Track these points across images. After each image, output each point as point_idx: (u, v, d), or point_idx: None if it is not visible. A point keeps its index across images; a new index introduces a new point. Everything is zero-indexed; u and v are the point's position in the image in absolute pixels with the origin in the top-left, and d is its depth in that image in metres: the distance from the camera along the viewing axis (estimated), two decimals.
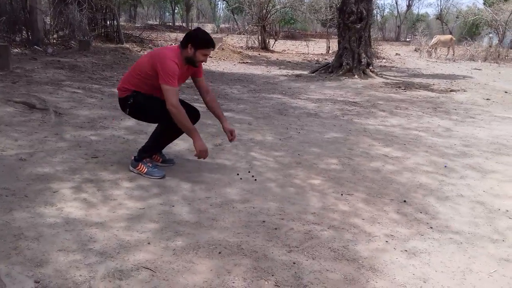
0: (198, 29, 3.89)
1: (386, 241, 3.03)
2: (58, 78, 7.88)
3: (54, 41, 12.76)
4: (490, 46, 23.33)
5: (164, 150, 4.24)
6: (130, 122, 5.50)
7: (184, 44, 3.67)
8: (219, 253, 2.72)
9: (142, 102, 3.79)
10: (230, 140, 4.05)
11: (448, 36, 22.98)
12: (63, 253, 2.56)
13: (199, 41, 3.64)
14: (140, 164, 3.89)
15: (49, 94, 6.30)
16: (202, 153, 3.78)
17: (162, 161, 4.19)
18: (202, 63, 3.88)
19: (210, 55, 3.72)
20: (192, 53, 3.65)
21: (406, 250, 2.93)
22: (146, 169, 3.87)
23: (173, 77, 3.56)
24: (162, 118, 3.79)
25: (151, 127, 5.36)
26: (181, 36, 20.65)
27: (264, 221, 3.19)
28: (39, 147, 4.32)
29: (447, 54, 21.91)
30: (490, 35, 28.53)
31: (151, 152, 4.00)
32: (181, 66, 3.68)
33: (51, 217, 2.97)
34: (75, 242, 2.68)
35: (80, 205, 3.19)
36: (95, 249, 2.63)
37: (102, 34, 15.44)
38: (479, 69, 16.27)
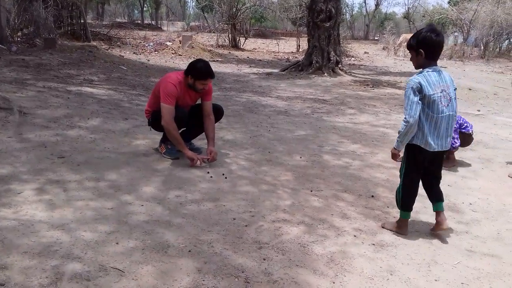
0: (199, 61, 4.32)
1: (355, 236, 3.09)
2: (23, 76, 7.66)
3: (19, 39, 12.40)
4: (455, 45, 23.99)
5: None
6: (97, 121, 5.40)
7: (186, 73, 4.22)
8: (189, 251, 2.70)
9: (155, 118, 4.32)
10: (208, 160, 4.29)
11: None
12: (28, 255, 2.50)
13: (198, 73, 4.16)
14: (163, 145, 4.44)
15: (13, 93, 6.12)
16: (195, 161, 4.17)
17: (189, 149, 4.39)
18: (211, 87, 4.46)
19: (206, 83, 4.27)
20: (192, 82, 4.20)
21: (373, 244, 2.99)
22: (165, 150, 4.41)
23: (170, 97, 4.10)
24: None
25: (119, 126, 5.29)
26: (150, 34, 20.41)
27: (234, 219, 3.20)
28: (2, 147, 4.19)
29: None
30: (455, 34, 29.29)
31: (165, 139, 4.41)
32: (182, 90, 4.24)
33: (14, 220, 2.88)
34: (40, 244, 2.62)
35: (45, 207, 3.11)
36: (61, 250, 2.58)
37: (69, 32, 15.11)
38: (444, 67, 16.69)
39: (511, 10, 22.36)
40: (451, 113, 2.93)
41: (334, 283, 2.50)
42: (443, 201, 3.18)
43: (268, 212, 3.36)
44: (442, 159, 3.21)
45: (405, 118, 2.86)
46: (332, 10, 12.34)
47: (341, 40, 14.70)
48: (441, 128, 2.91)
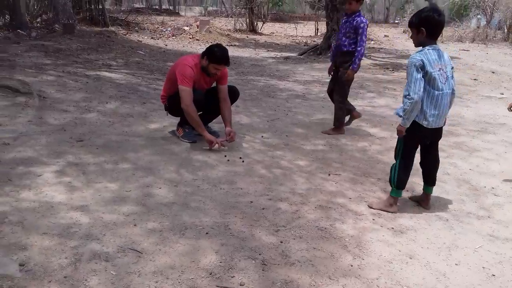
0: (218, 45, 4.31)
1: (373, 219, 3.05)
2: (42, 62, 7.72)
3: (38, 24, 12.49)
4: (478, 27, 23.35)
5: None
6: (115, 105, 5.43)
7: (203, 54, 4.19)
8: (207, 233, 2.71)
9: (171, 103, 4.35)
10: (227, 141, 4.28)
11: None
12: (47, 236, 2.53)
13: (213, 57, 4.10)
14: (180, 128, 4.45)
15: (33, 77, 6.18)
16: (211, 144, 4.16)
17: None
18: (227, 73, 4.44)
19: (219, 68, 4.19)
20: (206, 65, 4.14)
21: (392, 228, 2.95)
22: (182, 133, 4.42)
23: (188, 79, 4.08)
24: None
25: (136, 110, 5.31)
26: (167, 19, 20.39)
27: (251, 202, 3.19)
28: (23, 131, 4.25)
29: None
30: (478, 16, 28.52)
31: (186, 120, 4.32)
32: (199, 72, 4.20)
33: (35, 201, 2.93)
34: (59, 226, 2.65)
35: (64, 189, 3.15)
36: (80, 232, 2.61)
37: (87, 17, 15.13)
38: (466, 50, 16.29)
39: None
40: (448, 91, 2.98)
41: (352, 266, 2.48)
42: (434, 185, 3.29)
43: (285, 195, 3.34)
44: (439, 138, 3.21)
45: (409, 94, 2.87)
46: None
47: None
48: (440, 106, 2.96)
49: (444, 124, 3.12)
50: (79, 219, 2.75)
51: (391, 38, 22.09)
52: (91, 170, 3.52)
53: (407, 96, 2.88)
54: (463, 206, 3.35)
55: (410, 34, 3.09)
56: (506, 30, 22.05)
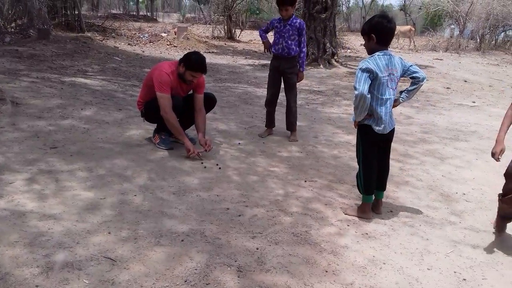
0: (196, 53, 4.30)
1: (348, 225, 3.08)
2: (16, 67, 7.59)
3: (12, 29, 12.26)
4: (451, 37, 23.94)
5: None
6: (90, 112, 5.36)
7: (180, 61, 4.17)
8: (182, 241, 2.69)
9: (148, 109, 4.33)
10: (206, 151, 4.24)
11: (407, 27, 23.36)
12: (18, 244, 2.48)
13: (190, 64, 4.10)
14: (157, 135, 4.42)
15: (6, 83, 6.06)
16: (191, 151, 4.13)
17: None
18: (205, 82, 4.43)
19: (195, 76, 4.18)
20: (183, 72, 4.12)
21: (366, 233, 2.99)
22: (159, 140, 4.38)
23: (166, 85, 4.06)
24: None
25: (112, 116, 5.26)
26: (145, 25, 20.26)
27: (228, 209, 3.19)
28: None
29: (409, 44, 22.35)
30: (452, 26, 29.21)
31: (162, 127, 4.34)
32: (176, 80, 4.18)
33: (6, 209, 2.86)
34: (31, 234, 2.60)
35: (36, 197, 3.09)
36: (53, 240, 2.56)
37: (63, 23, 14.94)
38: (440, 59, 16.67)
39: (507, 2, 22.32)
40: (394, 96, 3.07)
41: (327, 271, 2.50)
42: (384, 190, 3.36)
43: (261, 202, 3.35)
44: (391, 141, 3.26)
45: (355, 88, 2.89)
46: (328, 1, 12.25)
47: (337, 32, 14.64)
48: (387, 111, 3.03)
49: (393, 126, 3.16)
50: (51, 227, 2.70)
51: None
52: (64, 177, 3.46)
53: (354, 90, 2.90)
54: (435, 212, 3.42)
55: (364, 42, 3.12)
56: (478, 40, 22.67)
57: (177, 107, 4.18)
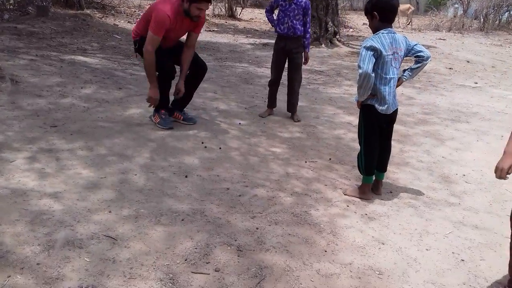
0: None
1: (347, 206, 3.10)
2: (15, 45, 7.51)
3: (11, 7, 12.10)
4: (455, 17, 23.65)
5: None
6: (90, 90, 5.33)
7: None
8: (182, 220, 2.71)
9: (142, 44, 4.06)
10: (173, 96, 4.31)
11: (406, 5, 23.01)
12: (20, 223, 2.50)
13: None
14: (157, 114, 4.35)
15: (5, 61, 6.01)
16: (151, 100, 4.14)
17: (183, 119, 4.54)
18: (205, 20, 4.18)
19: (201, 8, 3.96)
20: (187, 6, 3.90)
21: (366, 214, 3.00)
22: (159, 119, 4.34)
23: (160, 27, 3.89)
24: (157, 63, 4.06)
25: (112, 95, 5.23)
26: (144, 3, 20.02)
27: (228, 189, 3.20)
28: None
29: (406, 23, 22.04)
30: (455, 5, 28.84)
31: (161, 105, 4.30)
32: (177, 19, 3.97)
33: (6, 188, 2.87)
34: (32, 212, 2.62)
35: (37, 175, 3.09)
36: (53, 218, 2.57)
37: (62, 0, 14.76)
38: (443, 39, 16.50)
39: None
40: (397, 76, 3.05)
41: (326, 251, 2.52)
42: (385, 171, 3.36)
43: (261, 182, 3.36)
44: (394, 122, 3.24)
45: (359, 67, 2.86)
46: None
47: (339, 11, 14.46)
48: (391, 90, 3.01)
49: (396, 107, 3.13)
50: (52, 205, 2.72)
51: None
52: (64, 156, 3.46)
53: (358, 68, 2.88)
54: (434, 193, 3.43)
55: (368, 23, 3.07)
56: (482, 20, 22.40)
57: (169, 72, 4.16)
